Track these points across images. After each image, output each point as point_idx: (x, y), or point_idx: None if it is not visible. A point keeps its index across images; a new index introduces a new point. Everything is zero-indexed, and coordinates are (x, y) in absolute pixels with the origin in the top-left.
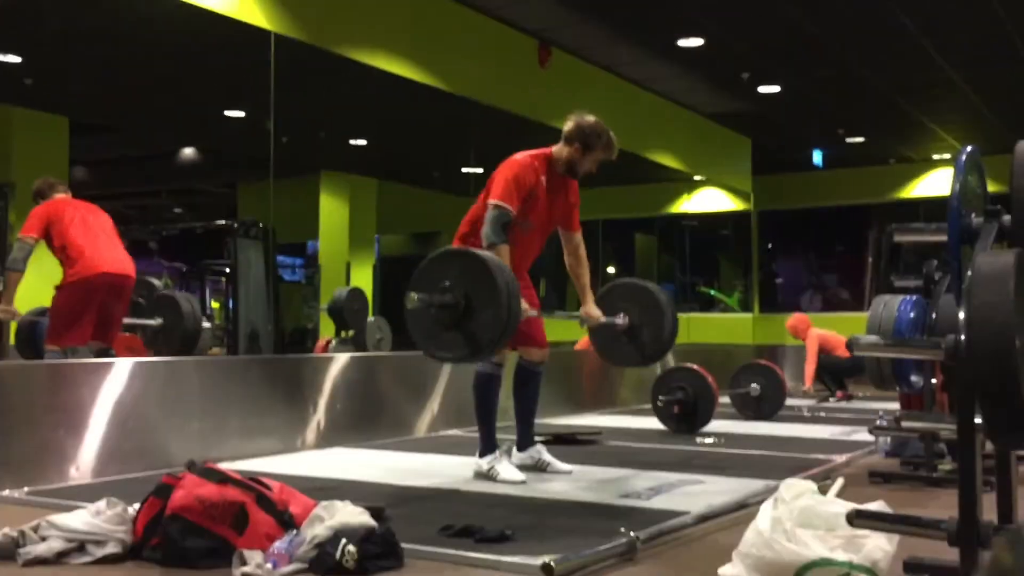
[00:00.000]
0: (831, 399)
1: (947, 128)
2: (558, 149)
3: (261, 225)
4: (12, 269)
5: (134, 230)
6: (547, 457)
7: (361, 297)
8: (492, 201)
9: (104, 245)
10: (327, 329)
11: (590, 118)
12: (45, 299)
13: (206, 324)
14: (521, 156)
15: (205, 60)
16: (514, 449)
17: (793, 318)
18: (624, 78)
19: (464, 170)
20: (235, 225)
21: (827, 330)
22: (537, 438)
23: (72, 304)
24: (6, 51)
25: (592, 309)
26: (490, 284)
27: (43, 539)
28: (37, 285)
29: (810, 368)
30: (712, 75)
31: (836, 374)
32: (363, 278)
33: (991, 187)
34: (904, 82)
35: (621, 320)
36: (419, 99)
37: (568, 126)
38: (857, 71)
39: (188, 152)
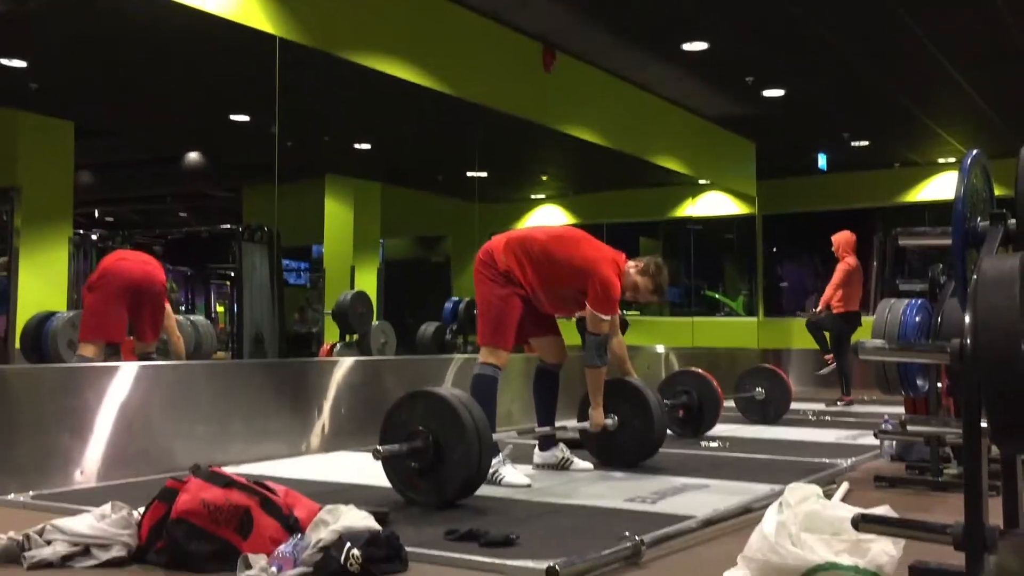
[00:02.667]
0: (838, 403)
1: (952, 132)
2: (634, 270)
3: (266, 229)
4: None
5: (139, 234)
6: (569, 455)
7: (366, 301)
8: (600, 316)
9: None
10: (332, 334)
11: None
12: (50, 303)
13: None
14: (614, 275)
15: (210, 64)
16: (536, 449)
17: (842, 234)
18: (629, 81)
19: (469, 174)
20: (240, 229)
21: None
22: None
23: None
24: (11, 56)
25: (600, 416)
26: (457, 422)
27: (48, 543)
28: (42, 290)
29: (829, 291)
30: (716, 79)
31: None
32: (368, 282)
33: (997, 191)
34: (909, 85)
35: (612, 423)
36: (423, 103)
37: (654, 265)
38: (862, 75)
39: (193, 156)
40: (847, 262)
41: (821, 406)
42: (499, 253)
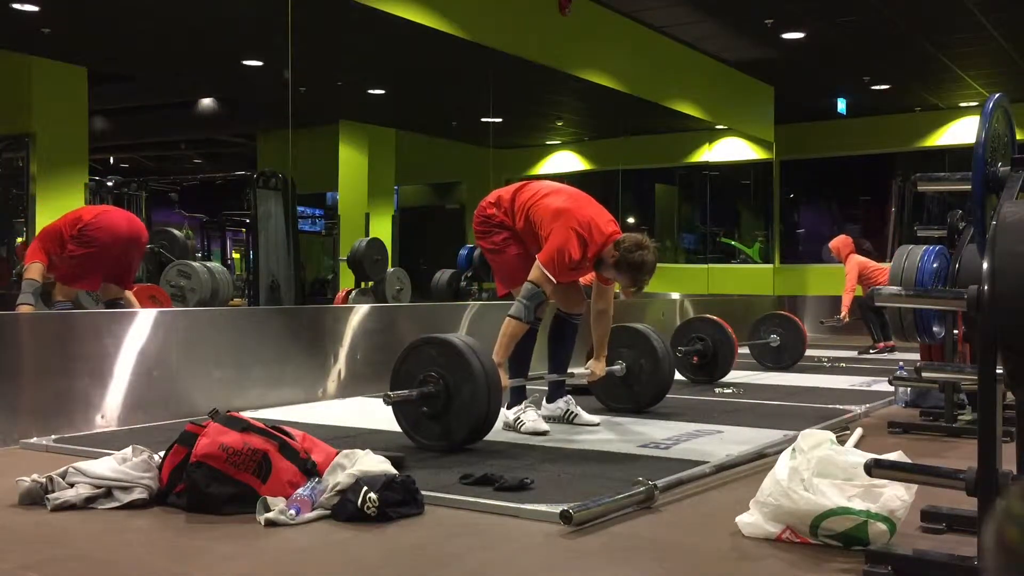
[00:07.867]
0: (871, 351)
1: (974, 75)
2: (611, 259)
3: (280, 176)
4: None
5: (154, 181)
6: (575, 408)
7: (380, 248)
8: (543, 266)
9: None
10: (347, 280)
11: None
12: None
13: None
14: (575, 238)
15: (223, 8)
16: (543, 400)
17: (837, 240)
18: (646, 25)
19: (483, 120)
20: (255, 176)
21: (871, 261)
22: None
23: None
24: (23, 1)
25: (600, 366)
26: (466, 368)
27: (71, 485)
28: None
29: (847, 297)
30: (735, 21)
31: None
32: (383, 229)
33: (1019, 135)
34: (931, 27)
35: (619, 369)
36: (438, 47)
37: (629, 255)
38: (883, 16)
39: (207, 102)
40: (854, 261)
41: (835, 352)
42: (491, 208)
